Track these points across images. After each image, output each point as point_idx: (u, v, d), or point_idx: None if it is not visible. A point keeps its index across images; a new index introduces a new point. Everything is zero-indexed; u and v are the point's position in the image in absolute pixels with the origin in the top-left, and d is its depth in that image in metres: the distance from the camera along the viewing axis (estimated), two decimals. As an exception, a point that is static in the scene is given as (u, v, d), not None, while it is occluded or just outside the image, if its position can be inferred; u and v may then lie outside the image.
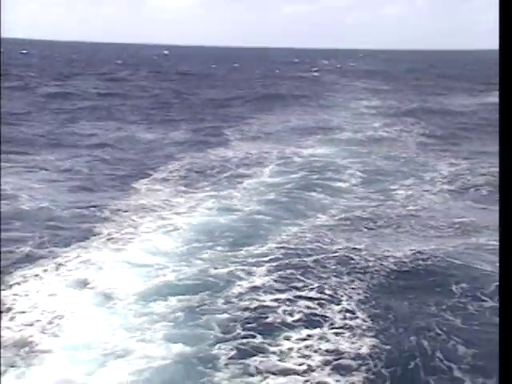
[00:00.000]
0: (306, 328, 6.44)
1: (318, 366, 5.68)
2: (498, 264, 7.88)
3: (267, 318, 6.67)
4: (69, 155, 15.99)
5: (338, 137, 20.58)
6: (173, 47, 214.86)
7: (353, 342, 6.15)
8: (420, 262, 8.49)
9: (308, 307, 6.96)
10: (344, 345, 6.09)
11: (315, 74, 62.10)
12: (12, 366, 5.58)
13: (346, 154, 17.21)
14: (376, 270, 8.20)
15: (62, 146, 17.33)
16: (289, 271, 8.08)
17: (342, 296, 7.30)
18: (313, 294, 7.37)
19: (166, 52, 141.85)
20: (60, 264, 8.06)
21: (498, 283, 7.48)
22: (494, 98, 35.66)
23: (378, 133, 21.72)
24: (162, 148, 17.88)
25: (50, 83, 39.67)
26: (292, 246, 9.06)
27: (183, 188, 12.94)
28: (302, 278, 7.91)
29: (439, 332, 6.44)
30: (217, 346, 6.01)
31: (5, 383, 5.15)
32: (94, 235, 9.37)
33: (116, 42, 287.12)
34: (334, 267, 8.27)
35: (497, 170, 14.82)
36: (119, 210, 10.87)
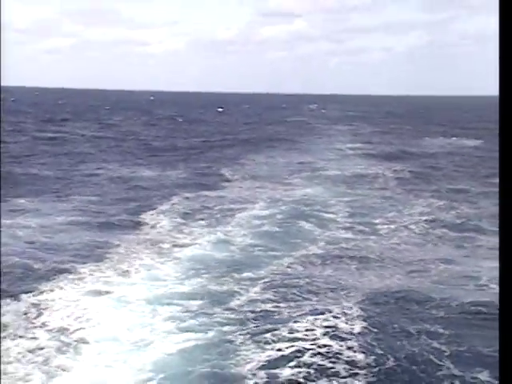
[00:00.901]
0: (309, 315, 7.86)
1: (321, 335, 7.18)
2: (477, 284, 9.21)
3: (270, 314, 8.06)
4: (79, 192, 17.42)
5: (324, 175, 22.11)
6: (159, 93, 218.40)
7: (348, 323, 7.65)
8: (401, 283, 9.82)
9: (306, 306, 8.35)
10: (341, 324, 7.59)
11: (301, 118, 64.35)
12: (57, 352, 6.93)
13: (331, 191, 18.69)
14: (363, 288, 9.51)
15: (71, 185, 18.75)
16: (283, 289, 9.28)
17: (336, 300, 8.71)
18: (309, 302, 8.68)
19: (151, 98, 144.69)
20: (78, 278, 9.54)
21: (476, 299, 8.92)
22: (467, 141, 38.00)
23: (360, 172, 23.31)
24: (162, 186, 19.25)
25: (45, 128, 41.12)
26: (285, 271, 10.35)
27: (182, 221, 14.18)
28: (297, 293, 9.19)
29: (422, 327, 7.82)
30: (232, 332, 7.43)
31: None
32: (106, 258, 10.77)
33: (102, 89, 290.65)
34: (325, 286, 9.55)
35: (467, 208, 16.31)
36: (126, 239, 12.22)
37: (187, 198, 17.12)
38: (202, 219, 14.48)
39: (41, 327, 7.52)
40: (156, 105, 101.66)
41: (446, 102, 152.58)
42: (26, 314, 7.92)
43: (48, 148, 29.52)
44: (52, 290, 8.86)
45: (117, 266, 10.33)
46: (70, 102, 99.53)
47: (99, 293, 8.88)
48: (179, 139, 36.68)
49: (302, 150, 31.53)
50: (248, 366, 6.49)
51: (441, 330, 7.65)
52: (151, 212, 15.10)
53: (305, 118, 66.13)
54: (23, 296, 8.50)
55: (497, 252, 11.34)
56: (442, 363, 6.71)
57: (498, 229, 12.21)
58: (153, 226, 13.67)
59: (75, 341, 7.20)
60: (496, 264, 10.42)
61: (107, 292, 8.92)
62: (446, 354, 6.92)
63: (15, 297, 8.44)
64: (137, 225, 13.80)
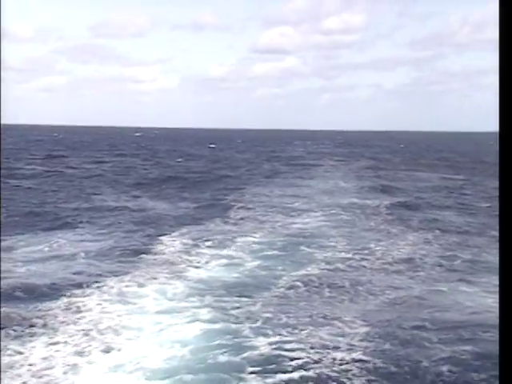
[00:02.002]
0: (309, 325, 9.42)
1: (326, 335, 8.83)
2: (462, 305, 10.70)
3: (271, 320, 9.66)
4: (96, 222, 19.11)
5: (321, 205, 23.67)
6: (152, 129, 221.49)
7: (351, 329, 9.26)
8: (391, 297, 11.35)
9: (306, 318, 9.87)
10: (345, 329, 9.22)
11: (296, 153, 66.21)
12: (100, 334, 8.85)
13: (327, 220, 20.31)
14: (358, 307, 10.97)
15: (88, 215, 20.30)
16: (286, 306, 10.63)
17: (336, 315, 10.15)
18: (308, 313, 10.12)
19: (137, 134, 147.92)
20: (105, 288, 11.39)
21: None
22: (453, 175, 39.96)
23: (354, 203, 24.85)
24: (171, 215, 20.86)
25: (49, 164, 42.73)
26: (285, 291, 11.75)
27: (192, 246, 15.62)
28: (297, 308, 10.52)
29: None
30: (238, 327, 9.26)
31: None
32: (127, 273, 12.58)
33: (96, 126, 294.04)
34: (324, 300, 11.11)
35: (453, 237, 17.86)
36: (143, 260, 14.05)
37: (195, 225, 18.66)
38: (210, 245, 15.91)
39: (79, 319, 9.52)
40: (151, 141, 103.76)
41: (433, 138, 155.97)
42: (67, 309, 9.97)
43: (57, 182, 31.12)
44: (83, 296, 10.83)
45: (135, 280, 12.04)
46: (67, 138, 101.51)
47: (120, 300, 10.70)
48: (180, 173, 38.26)
49: (297, 183, 33.21)
50: (253, 353, 8.25)
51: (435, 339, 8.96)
52: (164, 237, 16.61)
53: (299, 153, 68.12)
54: (62, 298, 10.64)
55: (472, 277, 12.97)
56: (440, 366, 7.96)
57: (477, 258, 13.80)
58: (166, 250, 15.18)
59: (109, 328, 9.15)
60: (471, 288, 12.02)
61: (128, 299, 10.76)
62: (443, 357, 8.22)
63: (56, 298, 10.62)
64: (152, 248, 15.28)
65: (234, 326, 9.27)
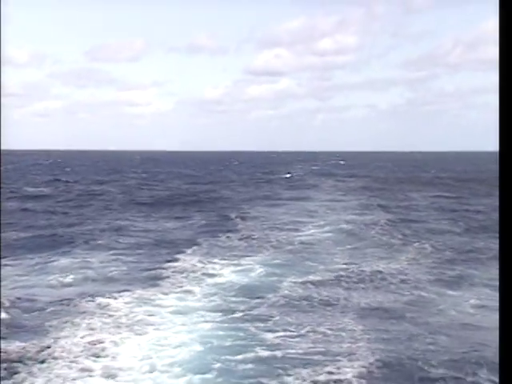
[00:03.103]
0: (308, 325, 10.89)
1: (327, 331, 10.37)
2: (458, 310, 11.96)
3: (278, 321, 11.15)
4: (118, 240, 20.58)
5: (323, 221, 25.16)
6: (149, 153, 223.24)
7: (350, 332, 10.62)
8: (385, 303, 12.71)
9: (308, 318, 11.38)
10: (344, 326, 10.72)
11: (292, 175, 67.55)
12: (132, 323, 10.80)
13: (328, 234, 21.76)
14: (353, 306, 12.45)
15: (108, 235, 21.61)
16: (286, 308, 12.11)
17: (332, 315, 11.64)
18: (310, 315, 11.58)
19: (137, 157, 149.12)
20: (129, 294, 13.05)
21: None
22: (445, 193, 41.38)
23: (353, 219, 26.29)
24: (184, 233, 22.42)
25: (56, 188, 44.01)
26: (289, 294, 13.28)
27: (207, 257, 17.22)
28: (298, 309, 12.03)
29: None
30: (246, 325, 10.88)
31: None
32: (150, 284, 14.12)
33: (92, 150, 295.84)
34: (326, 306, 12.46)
35: (441, 245, 19.16)
36: (167, 267, 15.83)
37: (207, 241, 20.07)
38: (222, 258, 17.27)
39: (111, 316, 11.40)
40: (150, 163, 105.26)
41: (427, 158, 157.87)
42: (100, 309, 11.89)
43: (67, 204, 32.47)
44: (113, 298, 12.66)
45: (158, 288, 13.60)
46: (67, 162, 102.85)
47: (146, 302, 12.43)
48: (185, 194, 39.34)
49: (298, 202, 34.57)
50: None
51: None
52: (182, 251, 18.13)
53: (298, 173, 69.50)
54: (99, 298, 12.65)
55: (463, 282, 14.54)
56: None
57: (466, 271, 15.44)
58: (184, 264, 16.55)
59: (137, 321, 11.04)
60: (461, 293, 13.55)
61: (152, 302, 12.46)
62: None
63: (91, 301, 12.42)
64: (171, 262, 16.72)
65: (245, 323, 10.87)
